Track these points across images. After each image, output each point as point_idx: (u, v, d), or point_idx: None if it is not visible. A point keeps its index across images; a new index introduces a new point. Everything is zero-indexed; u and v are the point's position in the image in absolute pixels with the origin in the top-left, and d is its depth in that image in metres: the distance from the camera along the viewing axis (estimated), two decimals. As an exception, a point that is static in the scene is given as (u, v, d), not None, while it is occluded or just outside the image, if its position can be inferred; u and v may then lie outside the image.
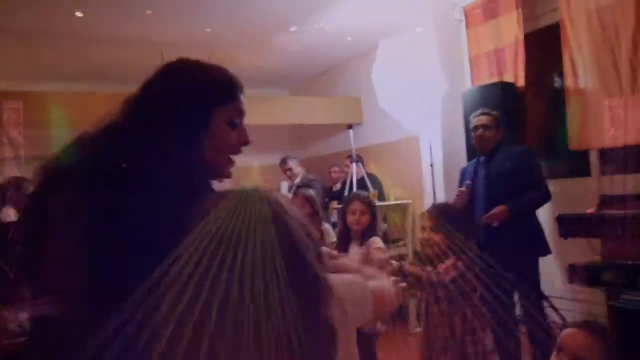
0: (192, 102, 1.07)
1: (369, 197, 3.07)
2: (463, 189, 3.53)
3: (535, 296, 3.24)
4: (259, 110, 6.29)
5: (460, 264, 2.27)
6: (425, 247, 2.41)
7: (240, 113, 1.16)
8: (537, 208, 3.39)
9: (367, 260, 2.70)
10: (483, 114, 3.56)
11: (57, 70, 6.05)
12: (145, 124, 1.05)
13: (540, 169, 3.47)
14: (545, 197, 3.33)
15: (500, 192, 3.26)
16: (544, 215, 3.62)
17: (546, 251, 3.33)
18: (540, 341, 3.10)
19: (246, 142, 1.16)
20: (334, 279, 0.99)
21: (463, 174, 3.76)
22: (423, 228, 2.45)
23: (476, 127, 3.53)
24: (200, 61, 1.15)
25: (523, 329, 3.63)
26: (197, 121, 1.08)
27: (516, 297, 3.42)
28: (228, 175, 1.15)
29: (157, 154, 1.02)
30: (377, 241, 2.90)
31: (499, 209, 3.17)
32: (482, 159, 3.54)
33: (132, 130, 1.06)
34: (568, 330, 1.62)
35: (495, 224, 3.17)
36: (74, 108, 4.51)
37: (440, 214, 2.42)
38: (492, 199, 3.27)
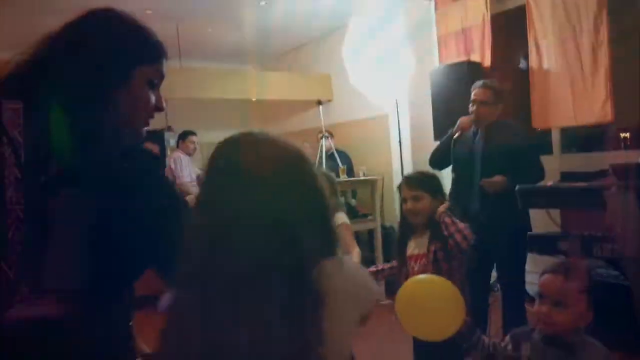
0: (118, 54, 1.06)
1: (330, 176, 2.98)
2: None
3: (517, 270, 3.31)
4: (228, 85, 6.27)
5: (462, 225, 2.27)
6: (411, 217, 2.36)
7: (161, 76, 1.15)
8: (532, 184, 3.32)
9: None
10: (483, 86, 3.37)
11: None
12: (61, 69, 1.03)
13: (536, 148, 3.47)
14: (540, 175, 3.29)
15: (496, 168, 3.21)
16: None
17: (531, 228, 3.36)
18: (511, 308, 3.25)
19: (160, 108, 1.15)
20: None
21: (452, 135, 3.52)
22: (405, 199, 2.37)
23: (473, 101, 3.36)
24: (130, 16, 1.13)
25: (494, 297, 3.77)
26: (119, 74, 1.06)
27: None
28: (140, 137, 1.14)
29: (73, 104, 1.01)
30: (341, 217, 2.79)
31: (498, 177, 3.15)
32: (478, 132, 3.40)
33: (47, 75, 1.03)
34: (546, 277, 1.69)
35: (491, 191, 3.17)
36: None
37: (420, 182, 2.38)
38: (488, 174, 3.22)
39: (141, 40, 1.11)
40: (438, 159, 3.60)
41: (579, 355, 1.60)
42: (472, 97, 3.37)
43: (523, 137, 3.36)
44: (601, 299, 1.76)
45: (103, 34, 1.07)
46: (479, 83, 3.41)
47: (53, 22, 1.08)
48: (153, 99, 1.13)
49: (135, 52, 1.09)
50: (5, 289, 0.90)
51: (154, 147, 3.08)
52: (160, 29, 1.18)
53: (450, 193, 3.35)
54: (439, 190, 2.41)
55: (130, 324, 1.18)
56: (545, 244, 2.92)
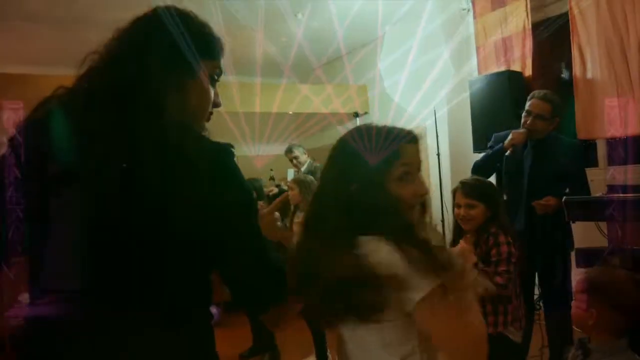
0: (186, 47, 1.08)
1: None
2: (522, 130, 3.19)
3: (562, 290, 3.19)
4: (265, 98, 6.30)
5: (509, 239, 2.26)
6: (463, 223, 2.35)
7: (220, 72, 1.17)
8: None
9: None
10: (543, 99, 3.15)
11: (60, 55, 6.04)
12: (135, 63, 1.05)
13: (584, 167, 3.32)
14: (586, 193, 3.16)
15: (544, 184, 3.09)
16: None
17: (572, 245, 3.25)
18: (555, 331, 3.13)
19: (218, 104, 1.18)
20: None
21: (500, 140, 3.37)
22: (459, 205, 2.37)
23: (528, 112, 3.15)
24: (191, 12, 1.17)
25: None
26: (188, 66, 1.08)
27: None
28: (204, 131, 1.16)
29: (147, 97, 1.02)
30: None
31: (550, 199, 3.00)
32: (528, 144, 3.21)
33: (122, 73, 1.05)
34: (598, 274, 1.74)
35: (540, 212, 3.03)
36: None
37: (476, 190, 2.36)
38: (535, 189, 3.11)
39: (205, 35, 1.15)
40: (482, 171, 3.47)
41: None
42: (528, 107, 3.17)
43: (574, 154, 3.22)
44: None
45: (171, 28, 1.09)
46: (538, 93, 3.20)
47: (92, 35, 1.09)
48: (213, 94, 1.17)
49: (200, 46, 1.11)
50: (5, 289, 0.89)
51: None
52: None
53: None
54: (494, 200, 2.38)
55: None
56: (593, 258, 2.80)
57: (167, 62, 1.06)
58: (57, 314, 0.94)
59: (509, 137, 3.19)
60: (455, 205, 2.40)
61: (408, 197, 1.16)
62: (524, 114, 3.19)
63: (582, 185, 3.16)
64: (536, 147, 3.17)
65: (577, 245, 3.16)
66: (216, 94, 1.18)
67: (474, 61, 4.95)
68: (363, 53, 6.61)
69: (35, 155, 1.00)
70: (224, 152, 1.07)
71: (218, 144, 1.07)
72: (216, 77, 1.17)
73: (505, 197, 3.26)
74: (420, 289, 1.04)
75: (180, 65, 1.07)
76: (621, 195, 2.81)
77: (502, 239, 2.25)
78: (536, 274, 3.23)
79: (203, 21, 1.17)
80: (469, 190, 2.37)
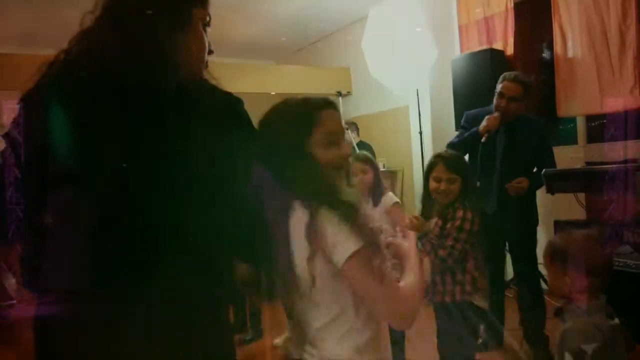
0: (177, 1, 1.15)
1: (366, 155, 2.86)
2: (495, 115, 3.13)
3: (531, 264, 3.25)
4: (247, 78, 6.25)
5: (469, 215, 2.29)
6: (442, 197, 2.36)
7: (210, 19, 1.23)
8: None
9: (385, 219, 2.67)
10: (515, 80, 3.12)
11: (32, 35, 5.91)
12: (130, 20, 1.09)
13: (550, 147, 3.34)
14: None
15: (515, 164, 3.12)
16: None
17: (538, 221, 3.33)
18: (528, 304, 3.18)
19: (212, 51, 1.24)
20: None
21: (472, 119, 3.33)
22: (439, 179, 2.36)
23: (501, 94, 3.12)
24: None
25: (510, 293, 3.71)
26: (183, 14, 1.15)
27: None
28: (201, 75, 1.22)
29: (149, 52, 1.06)
30: (392, 197, 2.81)
31: (522, 180, 3.05)
32: (501, 127, 3.16)
33: (117, 28, 1.08)
34: (558, 240, 1.75)
35: (513, 193, 3.06)
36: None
37: (456, 163, 2.38)
38: (507, 170, 3.13)
39: None
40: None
41: None
42: (500, 89, 3.13)
43: (543, 132, 3.25)
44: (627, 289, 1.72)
45: None
46: (509, 75, 3.17)
47: (70, 14, 1.09)
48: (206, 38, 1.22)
49: None
50: (6, 289, 0.89)
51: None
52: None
53: None
54: (471, 175, 2.42)
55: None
56: (570, 229, 2.86)
57: (165, 11, 1.11)
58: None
59: (484, 123, 3.11)
60: (433, 178, 2.39)
61: (331, 160, 1.24)
62: (495, 96, 3.15)
63: (552, 163, 3.19)
64: (508, 129, 3.16)
65: (556, 217, 3.22)
66: (209, 42, 1.23)
67: (456, 40, 4.97)
68: (346, 34, 6.59)
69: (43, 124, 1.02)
70: (237, 101, 1.18)
71: (230, 94, 1.17)
72: (207, 24, 1.22)
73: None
74: (346, 248, 1.13)
75: (177, 13, 1.13)
76: (600, 167, 2.86)
77: (459, 213, 2.29)
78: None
79: None
80: (451, 165, 2.37)
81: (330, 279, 1.18)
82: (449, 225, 2.30)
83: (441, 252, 2.26)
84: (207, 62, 1.22)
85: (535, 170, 3.20)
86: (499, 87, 3.15)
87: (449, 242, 2.26)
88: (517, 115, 3.14)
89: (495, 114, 3.11)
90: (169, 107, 1.01)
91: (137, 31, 1.06)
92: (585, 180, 2.74)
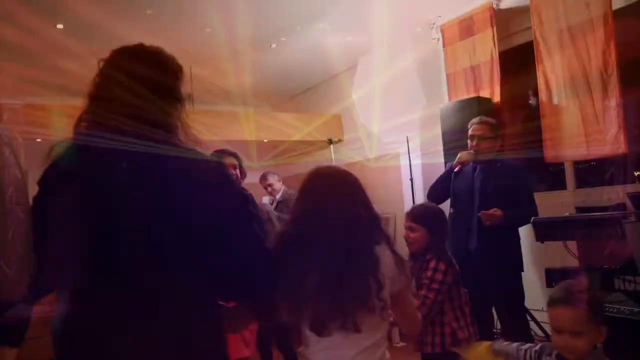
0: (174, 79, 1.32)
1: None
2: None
3: (518, 311, 3.24)
4: (239, 126, 6.32)
5: (441, 266, 2.32)
6: (407, 245, 2.43)
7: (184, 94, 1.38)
8: (524, 224, 3.39)
9: None
10: (480, 122, 3.48)
11: (41, 85, 6.00)
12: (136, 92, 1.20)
13: (531, 188, 3.49)
14: (533, 214, 3.29)
15: (494, 203, 3.22)
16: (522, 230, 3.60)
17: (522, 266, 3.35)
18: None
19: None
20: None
21: (452, 169, 3.58)
22: (406, 227, 2.45)
23: (472, 137, 3.46)
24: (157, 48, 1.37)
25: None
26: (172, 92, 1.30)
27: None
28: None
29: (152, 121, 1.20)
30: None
31: (495, 210, 3.16)
32: (478, 167, 3.45)
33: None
34: (556, 310, 1.69)
35: (488, 223, 3.16)
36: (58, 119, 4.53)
37: (418, 215, 2.44)
38: (485, 206, 3.23)
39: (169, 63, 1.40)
40: (437, 193, 3.61)
41: None
42: (470, 132, 3.48)
43: (519, 174, 3.41)
44: (622, 336, 1.70)
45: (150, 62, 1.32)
46: (475, 120, 3.53)
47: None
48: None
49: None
50: (6, 289, 0.89)
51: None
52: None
53: (449, 228, 3.30)
54: (437, 226, 2.44)
55: None
56: (563, 278, 2.84)
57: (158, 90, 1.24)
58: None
59: (457, 157, 3.49)
60: (405, 227, 2.49)
61: None
62: (468, 140, 3.49)
63: (530, 204, 3.33)
64: (484, 169, 3.40)
65: (547, 265, 3.21)
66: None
67: (444, 88, 5.06)
68: (337, 82, 6.71)
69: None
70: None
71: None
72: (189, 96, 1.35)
73: (453, 219, 3.37)
74: (403, 279, 1.56)
75: (165, 91, 1.26)
76: (589, 215, 2.88)
77: (432, 264, 2.33)
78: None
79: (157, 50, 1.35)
80: (413, 214, 2.46)
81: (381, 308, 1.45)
82: (422, 275, 2.33)
83: (416, 302, 2.27)
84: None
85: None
86: (469, 131, 3.50)
87: (422, 293, 2.29)
88: (491, 154, 3.40)
89: (469, 150, 3.46)
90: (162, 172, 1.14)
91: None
92: (575, 229, 2.76)
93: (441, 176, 3.65)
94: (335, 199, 1.52)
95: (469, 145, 3.49)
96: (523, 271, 3.33)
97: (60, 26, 4.68)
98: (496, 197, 3.25)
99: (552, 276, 2.95)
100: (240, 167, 3.46)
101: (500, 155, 3.52)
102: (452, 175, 3.49)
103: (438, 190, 3.60)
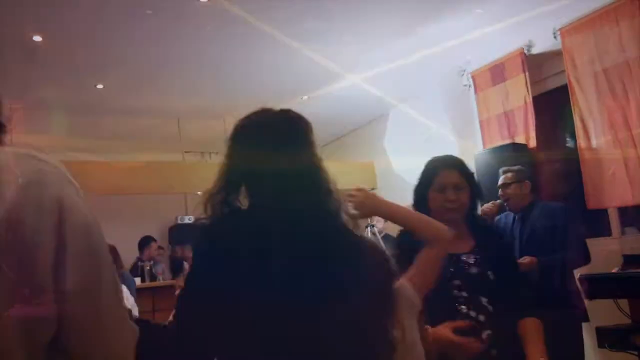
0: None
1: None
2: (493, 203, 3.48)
3: None
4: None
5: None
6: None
7: None
8: (571, 269, 3.18)
9: None
10: (503, 172, 3.45)
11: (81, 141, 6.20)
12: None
13: (577, 228, 3.27)
14: (582, 258, 3.11)
15: (534, 250, 3.07)
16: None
17: (586, 317, 3.13)
18: None
19: None
20: None
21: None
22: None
23: (498, 188, 3.44)
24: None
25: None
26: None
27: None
28: None
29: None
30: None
31: (526, 258, 3.00)
32: (516, 216, 3.37)
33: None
34: None
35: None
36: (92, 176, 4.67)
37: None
38: (528, 253, 3.08)
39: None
40: None
41: None
42: (498, 184, 3.44)
43: (559, 214, 3.24)
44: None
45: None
46: (502, 170, 3.50)
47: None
48: None
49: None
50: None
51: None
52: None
53: None
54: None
55: None
56: (616, 338, 2.66)
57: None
58: None
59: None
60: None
61: None
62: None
63: (578, 246, 3.13)
64: (522, 217, 3.33)
65: (597, 324, 3.02)
66: None
67: (478, 135, 4.99)
68: (370, 130, 6.72)
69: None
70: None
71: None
72: None
73: None
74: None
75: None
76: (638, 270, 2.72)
77: None
78: None
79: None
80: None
81: None
82: None
83: None
84: None
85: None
86: (498, 183, 3.44)
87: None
88: (520, 199, 3.32)
89: (492, 202, 3.47)
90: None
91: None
92: (626, 284, 2.59)
93: None
94: None
95: (499, 195, 3.45)
96: (584, 320, 3.11)
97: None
98: (539, 244, 3.11)
99: (603, 336, 2.75)
100: None
101: (538, 202, 3.39)
102: None
103: None
